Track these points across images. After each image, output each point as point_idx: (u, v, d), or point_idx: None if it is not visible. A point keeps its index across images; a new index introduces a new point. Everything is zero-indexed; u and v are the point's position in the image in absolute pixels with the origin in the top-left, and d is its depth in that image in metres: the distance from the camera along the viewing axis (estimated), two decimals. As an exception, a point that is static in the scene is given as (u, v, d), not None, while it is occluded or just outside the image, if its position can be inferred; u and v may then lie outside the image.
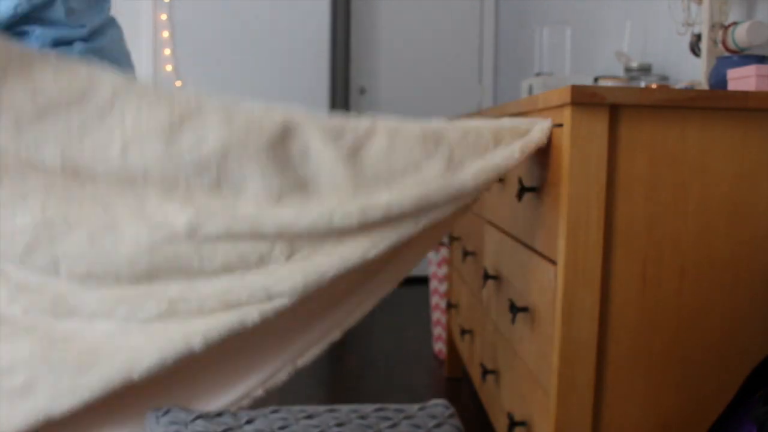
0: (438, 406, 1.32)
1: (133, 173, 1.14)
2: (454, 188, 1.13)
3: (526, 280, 1.37)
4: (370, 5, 4.41)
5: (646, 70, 2.12)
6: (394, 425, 1.23)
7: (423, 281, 3.51)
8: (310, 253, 1.14)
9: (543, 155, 1.26)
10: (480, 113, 1.95)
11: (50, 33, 1.62)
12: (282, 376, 1.33)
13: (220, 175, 1.13)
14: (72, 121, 1.12)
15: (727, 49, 1.65)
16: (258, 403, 1.28)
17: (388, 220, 1.12)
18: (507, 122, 1.21)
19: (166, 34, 3.83)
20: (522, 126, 1.20)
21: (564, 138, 1.14)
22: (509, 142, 1.17)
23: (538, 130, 1.21)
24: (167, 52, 3.83)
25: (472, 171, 1.13)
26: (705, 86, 1.70)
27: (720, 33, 1.67)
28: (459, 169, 1.13)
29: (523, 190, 1.31)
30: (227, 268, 1.15)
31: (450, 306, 2.49)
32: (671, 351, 1.16)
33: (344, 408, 1.29)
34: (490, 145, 1.16)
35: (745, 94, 1.13)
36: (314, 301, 1.22)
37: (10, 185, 1.15)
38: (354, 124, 1.14)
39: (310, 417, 1.24)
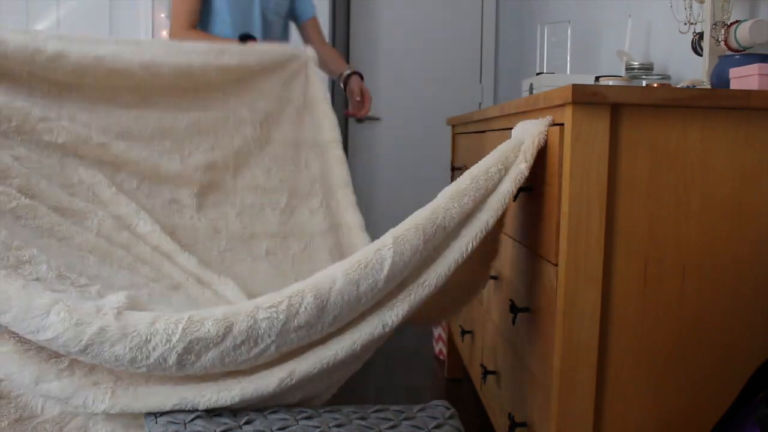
0: (438, 406, 1.31)
1: None
2: (487, 229, 1.26)
3: (526, 281, 1.37)
4: (370, 5, 4.40)
5: (647, 69, 2.11)
6: (394, 426, 1.22)
7: (423, 281, 3.50)
8: None
9: (542, 155, 1.25)
10: (480, 112, 1.94)
11: None
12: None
13: None
14: None
15: (729, 47, 1.64)
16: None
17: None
18: (499, 155, 1.27)
19: (165, 33, 3.82)
20: (510, 149, 1.26)
21: (565, 137, 1.13)
22: (512, 162, 1.25)
23: (534, 135, 1.23)
24: (167, 51, 3.83)
25: (493, 207, 1.25)
26: (707, 85, 1.69)
27: (722, 31, 1.66)
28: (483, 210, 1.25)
29: (519, 190, 1.30)
30: None
31: (450, 306, 2.48)
32: (673, 351, 1.16)
33: (344, 408, 1.28)
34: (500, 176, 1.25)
35: (747, 93, 1.12)
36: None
37: None
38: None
39: (309, 417, 1.24)
